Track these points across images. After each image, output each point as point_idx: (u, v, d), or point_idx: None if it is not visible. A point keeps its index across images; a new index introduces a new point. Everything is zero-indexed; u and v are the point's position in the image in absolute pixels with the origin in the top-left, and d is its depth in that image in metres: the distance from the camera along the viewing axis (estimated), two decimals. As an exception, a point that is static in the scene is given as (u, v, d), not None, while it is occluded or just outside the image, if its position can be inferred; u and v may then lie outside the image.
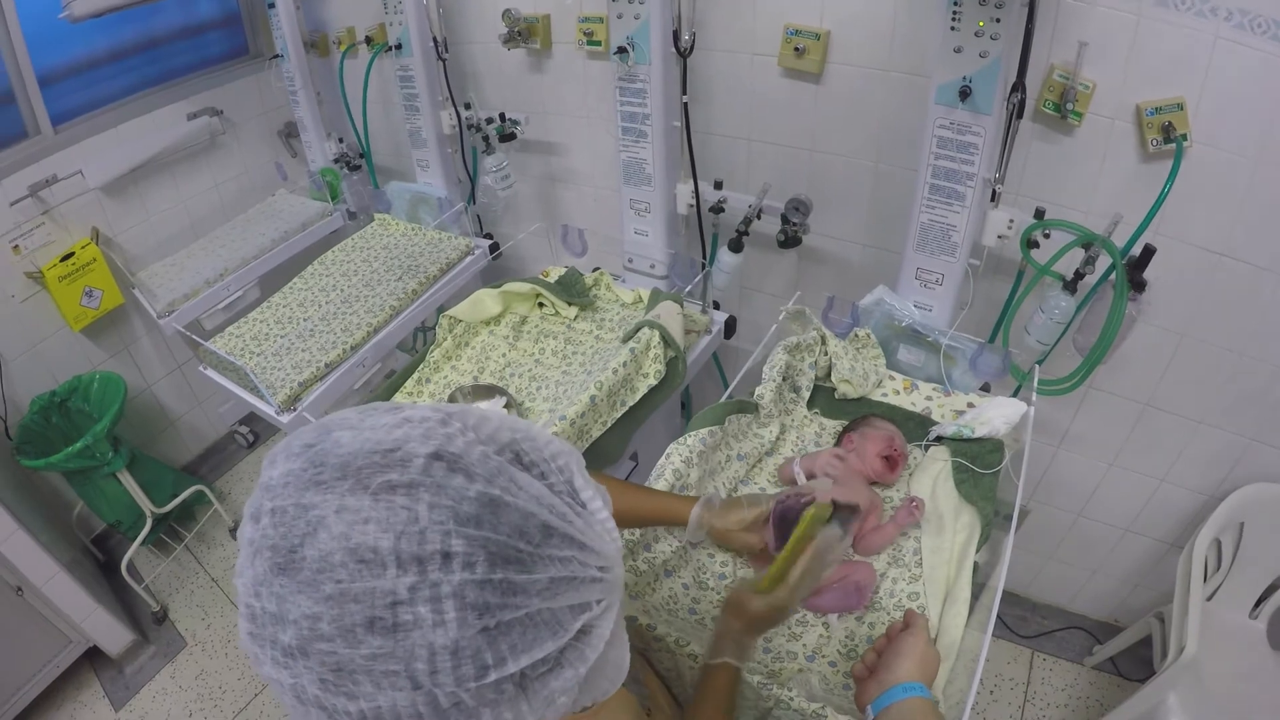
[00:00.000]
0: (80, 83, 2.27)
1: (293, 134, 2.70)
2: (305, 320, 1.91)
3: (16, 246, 2.14)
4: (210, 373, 1.88)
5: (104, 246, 2.32)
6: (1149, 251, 1.28)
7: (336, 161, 2.48)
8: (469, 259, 2.06)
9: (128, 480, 2.23)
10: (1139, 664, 1.96)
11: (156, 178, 2.45)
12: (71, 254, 2.21)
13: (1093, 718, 1.93)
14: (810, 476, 1.29)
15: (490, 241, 2.13)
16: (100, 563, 2.53)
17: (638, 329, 1.49)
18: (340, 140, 2.49)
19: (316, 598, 0.41)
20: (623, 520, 1.03)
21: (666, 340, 1.50)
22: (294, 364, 1.76)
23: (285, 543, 0.42)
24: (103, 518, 2.37)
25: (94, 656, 2.22)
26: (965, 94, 1.22)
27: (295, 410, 1.67)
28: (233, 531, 2.64)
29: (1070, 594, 2.10)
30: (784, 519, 1.05)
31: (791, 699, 0.93)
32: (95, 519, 2.48)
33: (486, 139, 2.04)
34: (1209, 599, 1.69)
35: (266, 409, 1.69)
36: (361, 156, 2.48)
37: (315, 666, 0.41)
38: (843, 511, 0.97)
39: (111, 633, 2.19)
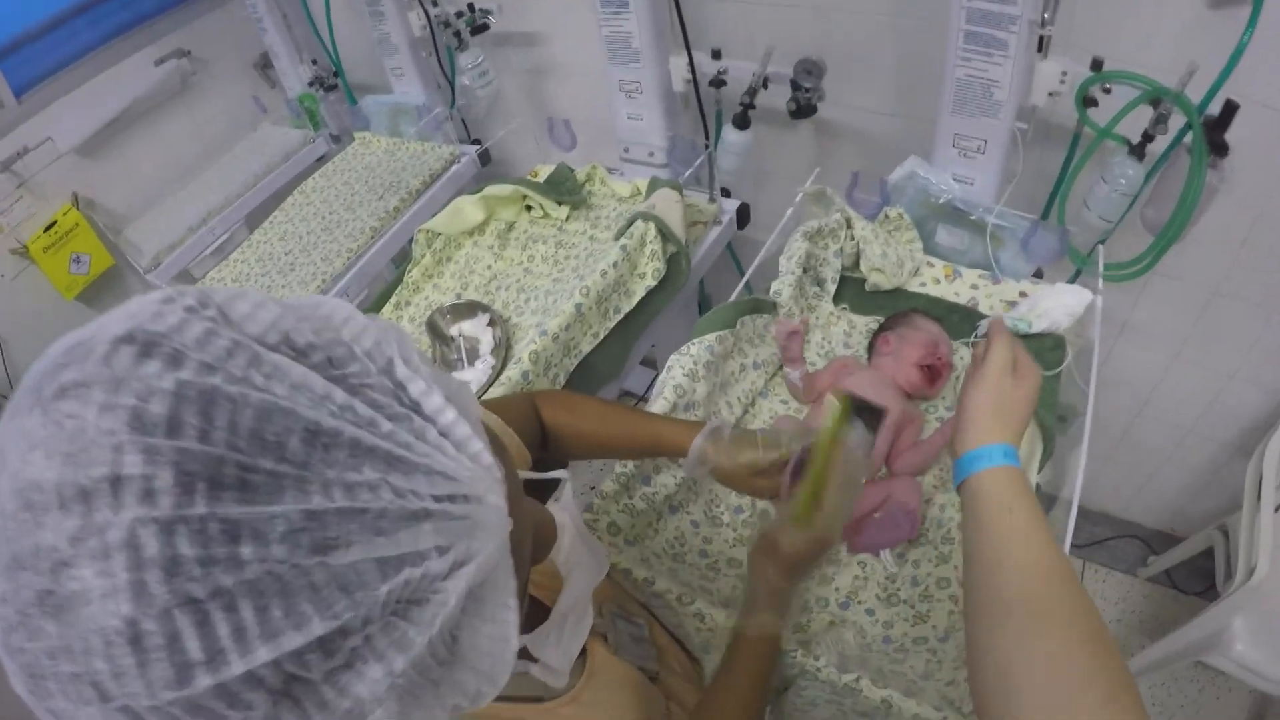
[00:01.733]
0: (38, 49, 2.15)
1: (268, 64, 2.54)
2: (286, 255, 1.78)
3: (-1, 225, 2.07)
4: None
5: (86, 209, 2.24)
6: (1230, 108, 1.03)
7: (311, 85, 2.30)
8: (455, 168, 1.88)
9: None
10: (1197, 576, 1.82)
11: (133, 130, 2.33)
12: (54, 223, 2.14)
13: (1147, 633, 1.80)
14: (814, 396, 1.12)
15: (479, 148, 1.94)
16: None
17: (630, 223, 1.30)
18: (314, 62, 2.31)
19: None
20: (607, 450, 0.86)
21: (664, 233, 1.30)
22: (274, 302, 1.63)
23: None
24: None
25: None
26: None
27: (278, 351, 1.54)
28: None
29: (1124, 501, 1.93)
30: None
31: (819, 669, 0.77)
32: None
33: (458, 34, 1.82)
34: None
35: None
36: (336, 76, 2.29)
37: (17, 671, 0.27)
38: (866, 414, 0.79)
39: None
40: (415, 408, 0.33)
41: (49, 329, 2.20)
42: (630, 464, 0.96)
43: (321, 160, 2.30)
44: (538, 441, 0.84)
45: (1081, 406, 1.06)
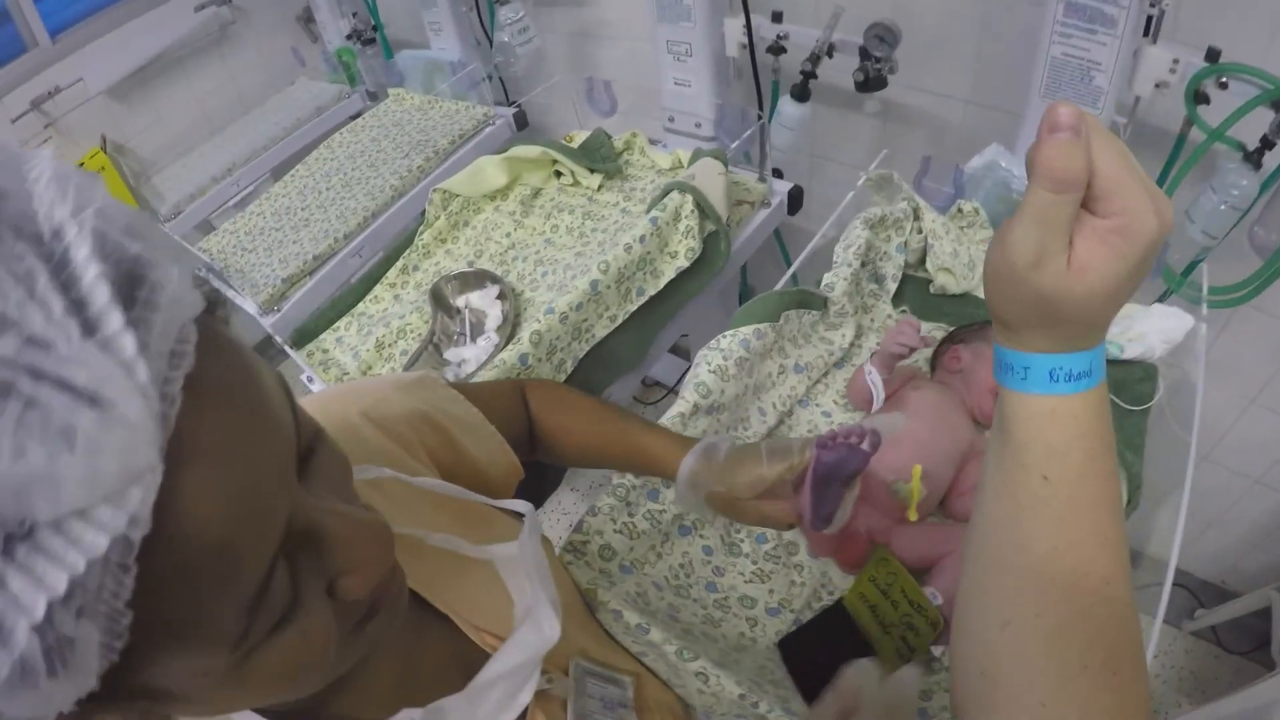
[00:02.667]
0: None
1: (311, 18, 2.45)
2: (303, 210, 1.66)
3: (25, 165, 2.04)
4: (207, 275, 1.68)
5: (114, 154, 2.19)
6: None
7: (349, 38, 2.19)
8: (489, 129, 1.74)
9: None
10: (1245, 636, 1.67)
11: (166, 77, 2.29)
12: (81, 165, 2.09)
13: (1185, 691, 1.65)
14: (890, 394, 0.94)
15: (515, 109, 1.80)
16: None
17: (664, 194, 1.14)
18: (354, 15, 2.20)
19: None
20: (598, 458, 0.71)
21: (703, 208, 1.14)
22: (281, 259, 1.52)
23: None
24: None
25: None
26: None
27: (279, 311, 1.43)
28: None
29: (1179, 546, 1.74)
30: (829, 479, 0.60)
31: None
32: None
33: (500, -14, 1.69)
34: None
35: (250, 310, 1.47)
36: (374, 29, 2.17)
37: None
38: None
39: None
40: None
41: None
42: (629, 476, 0.81)
43: (355, 118, 2.19)
44: (525, 439, 0.72)
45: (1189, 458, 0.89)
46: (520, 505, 0.50)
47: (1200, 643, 1.72)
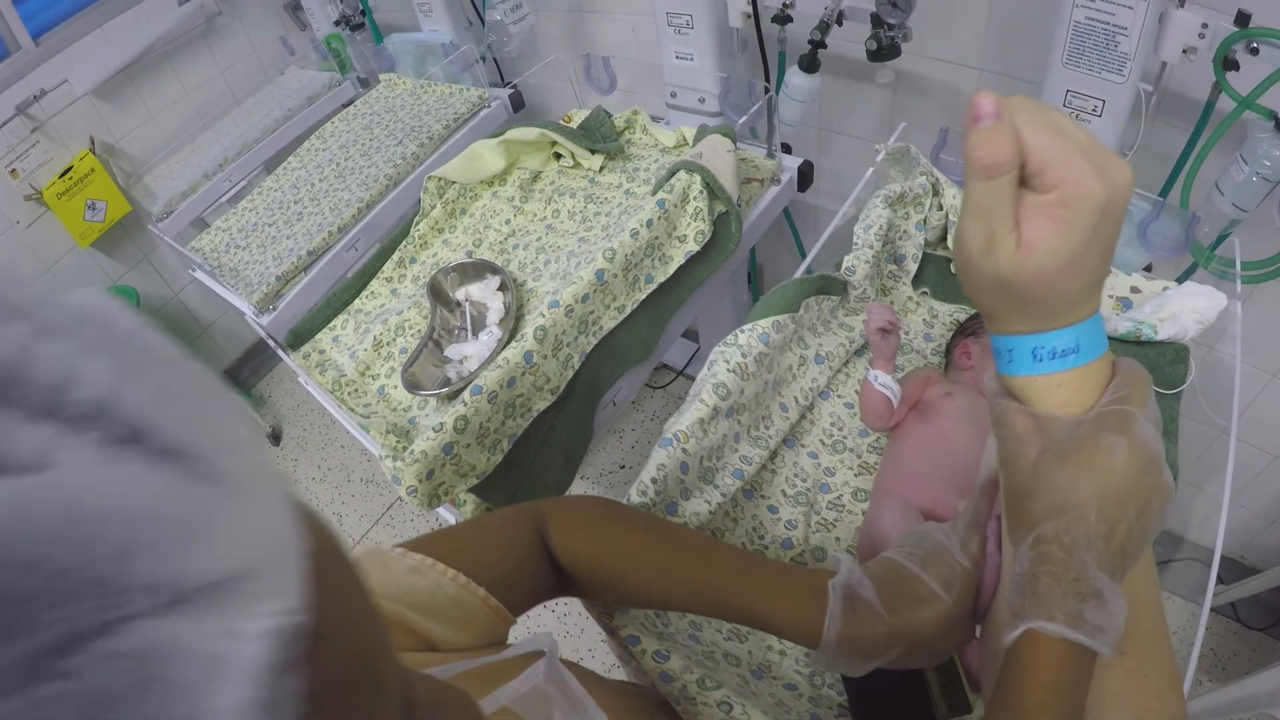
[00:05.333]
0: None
1: (299, 6, 2.38)
2: (296, 203, 1.61)
3: (14, 170, 2.02)
4: (200, 276, 1.63)
5: (104, 155, 2.16)
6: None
7: (338, 24, 2.12)
8: (484, 112, 1.68)
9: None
10: (1263, 611, 1.66)
11: (154, 73, 2.23)
12: (70, 168, 2.06)
13: (1204, 668, 1.63)
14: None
15: (511, 90, 1.74)
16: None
17: (671, 174, 1.08)
18: (342, 0, 2.13)
19: None
20: (663, 604, 0.57)
21: (712, 188, 1.08)
22: (275, 256, 1.46)
23: None
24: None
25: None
26: None
27: (274, 310, 1.38)
28: (270, 437, 2.56)
29: (1195, 521, 1.73)
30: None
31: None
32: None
33: (491, -39, 1.62)
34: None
35: (246, 311, 1.42)
36: (363, 13, 2.10)
37: None
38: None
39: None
40: None
41: (67, 277, 2.13)
42: (649, 492, 0.72)
43: (347, 105, 2.13)
44: (547, 587, 0.57)
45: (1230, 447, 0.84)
46: (540, 642, 0.42)
47: (1219, 619, 1.69)
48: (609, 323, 0.99)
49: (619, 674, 0.69)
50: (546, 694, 0.41)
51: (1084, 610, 0.36)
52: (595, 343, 0.97)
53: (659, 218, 1.03)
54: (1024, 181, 0.35)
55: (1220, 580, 1.69)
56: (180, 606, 0.14)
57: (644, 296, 1.03)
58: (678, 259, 1.06)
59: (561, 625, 1.84)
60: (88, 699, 0.13)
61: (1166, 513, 0.37)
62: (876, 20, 1.22)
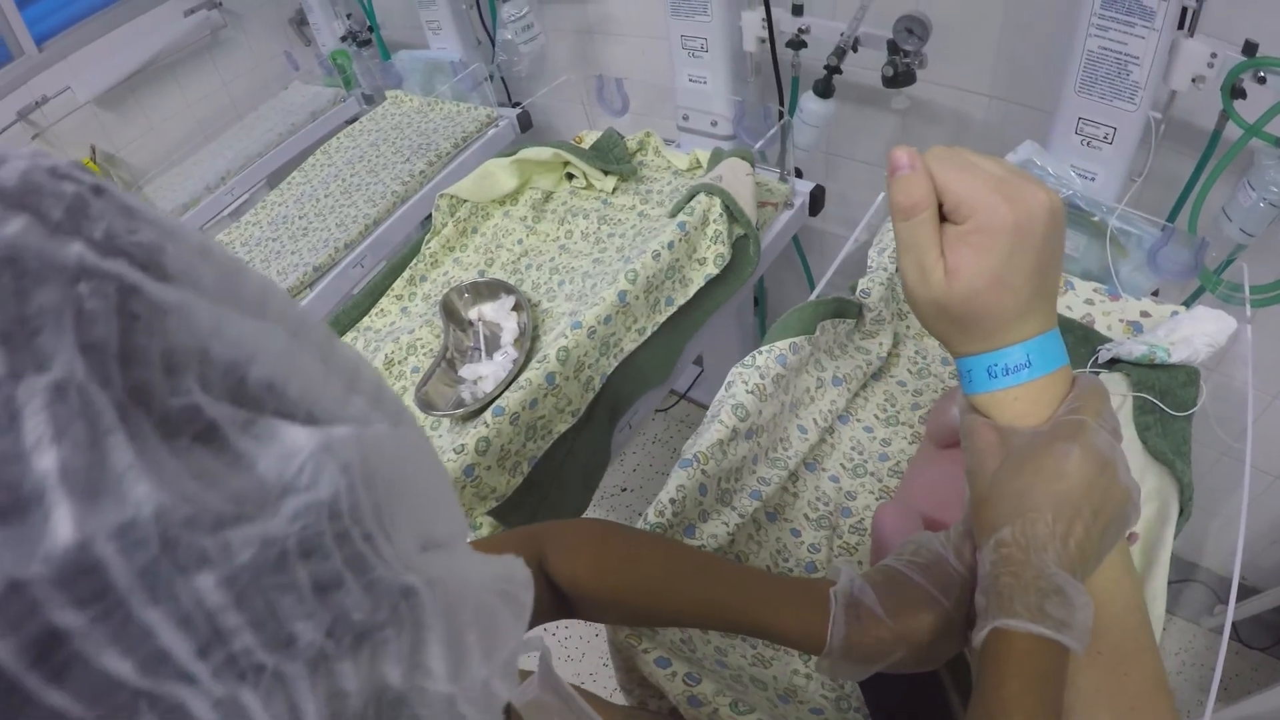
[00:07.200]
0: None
1: (304, 20, 2.38)
2: (300, 219, 1.59)
3: (13, 175, 1.97)
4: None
5: (105, 164, 2.13)
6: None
7: (344, 40, 2.12)
8: (492, 131, 1.67)
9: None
10: (1263, 631, 1.67)
11: (157, 83, 2.22)
12: None
13: (1206, 687, 1.63)
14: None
15: (519, 110, 1.74)
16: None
17: (691, 196, 1.08)
18: (349, 16, 2.13)
19: None
20: (668, 622, 0.58)
21: (732, 212, 1.08)
22: (279, 271, 1.45)
23: None
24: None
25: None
26: None
27: (279, 326, 1.36)
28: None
29: (1195, 542, 1.74)
30: None
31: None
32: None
33: (503, -19, 1.62)
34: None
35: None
36: (370, 30, 2.10)
37: None
38: None
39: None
40: None
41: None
42: (667, 514, 0.71)
43: (352, 122, 2.13)
44: (541, 611, 0.55)
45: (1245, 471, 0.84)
46: (531, 646, 0.42)
47: (1219, 639, 1.69)
48: (630, 344, 0.98)
49: (619, 700, 0.67)
50: (544, 704, 0.41)
51: (1045, 605, 0.37)
52: (616, 364, 0.96)
53: (680, 240, 1.02)
54: (947, 217, 0.40)
55: (1220, 600, 1.71)
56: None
57: (664, 319, 1.02)
58: (697, 281, 1.05)
59: (562, 649, 1.81)
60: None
61: (1128, 513, 0.40)
62: (893, 47, 1.23)
